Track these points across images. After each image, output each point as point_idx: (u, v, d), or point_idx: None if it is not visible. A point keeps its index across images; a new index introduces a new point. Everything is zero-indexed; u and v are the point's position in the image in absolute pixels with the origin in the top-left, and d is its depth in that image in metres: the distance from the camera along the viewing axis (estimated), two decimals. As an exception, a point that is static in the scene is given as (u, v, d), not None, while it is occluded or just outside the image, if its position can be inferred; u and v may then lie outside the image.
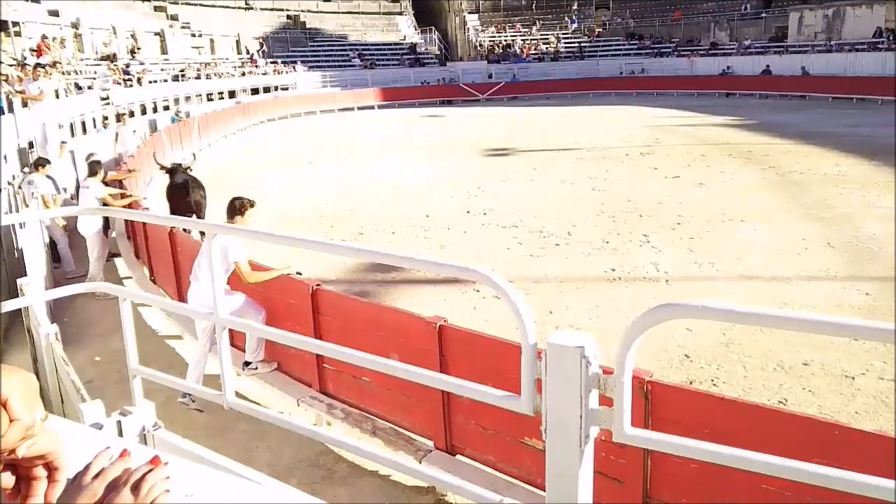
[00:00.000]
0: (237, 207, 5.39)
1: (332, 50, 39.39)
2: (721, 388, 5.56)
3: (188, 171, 9.58)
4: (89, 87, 18.87)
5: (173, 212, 9.46)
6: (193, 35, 33.19)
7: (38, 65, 13.82)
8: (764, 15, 36.20)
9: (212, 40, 34.10)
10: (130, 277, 8.80)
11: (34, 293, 4.31)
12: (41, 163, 9.38)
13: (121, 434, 2.53)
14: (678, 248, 9.39)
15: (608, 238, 10.00)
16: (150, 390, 3.89)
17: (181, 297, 7.04)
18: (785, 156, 16.02)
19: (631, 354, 1.57)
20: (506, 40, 41.78)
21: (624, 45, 40.07)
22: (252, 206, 5.44)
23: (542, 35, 42.08)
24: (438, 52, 42.78)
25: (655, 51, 38.44)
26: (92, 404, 2.57)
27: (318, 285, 5.11)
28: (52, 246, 9.39)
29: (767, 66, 32.31)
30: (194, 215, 9.52)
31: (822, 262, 8.52)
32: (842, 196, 11.83)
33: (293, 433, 3.17)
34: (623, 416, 1.61)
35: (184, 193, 9.39)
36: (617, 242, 9.78)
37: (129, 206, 8.84)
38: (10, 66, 16.28)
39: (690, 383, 5.59)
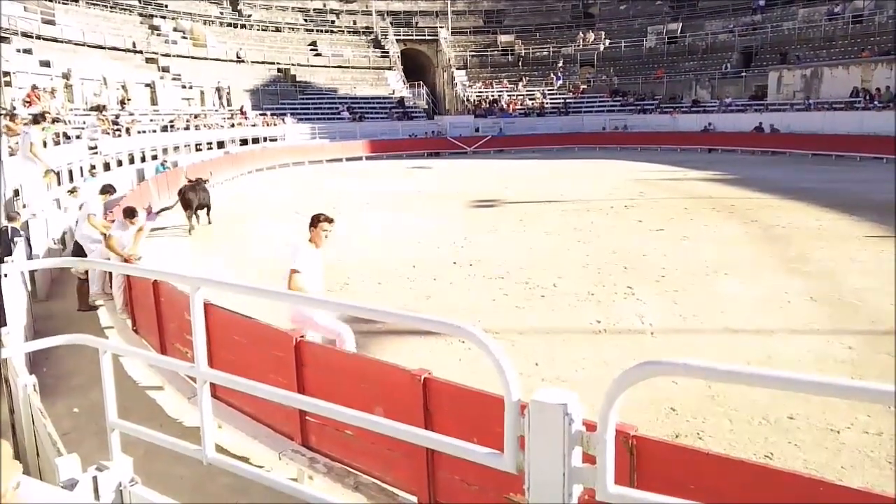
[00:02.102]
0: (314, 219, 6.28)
1: (321, 103, 39.93)
2: (707, 441, 5.53)
3: (206, 182, 16.27)
4: (77, 137, 18.95)
5: (184, 199, 15.43)
6: (184, 87, 33.58)
7: (36, 116, 13.96)
8: (744, 74, 37.17)
9: (202, 92, 34.50)
10: (112, 327, 8.69)
11: (14, 344, 4.25)
12: (108, 189, 10.14)
13: (97, 490, 2.47)
14: (663, 300, 9.43)
15: (593, 290, 10.04)
16: (129, 443, 3.81)
17: (164, 348, 6.96)
18: (767, 210, 16.26)
19: (613, 412, 1.57)
20: (492, 95, 42.57)
21: (608, 101, 40.91)
22: (329, 221, 6.38)
23: (528, 91, 42.95)
24: (426, 106, 43.50)
25: (639, 107, 39.27)
26: (68, 458, 2.53)
27: (301, 337, 5.07)
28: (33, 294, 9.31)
29: (760, 123, 33.01)
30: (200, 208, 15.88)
31: (806, 316, 8.58)
32: (823, 250, 11.99)
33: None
34: (606, 474, 1.60)
35: (197, 191, 15.59)
36: (602, 294, 9.82)
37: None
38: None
39: (676, 437, 5.55)
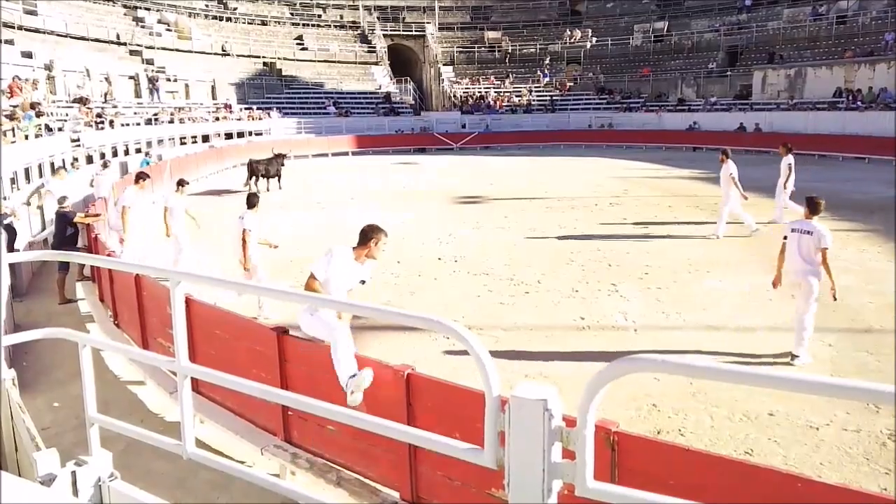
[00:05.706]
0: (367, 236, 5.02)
1: (307, 97, 39.73)
2: (688, 437, 5.57)
3: (284, 157, 22.49)
4: (60, 129, 18.74)
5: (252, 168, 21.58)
6: (168, 80, 33.26)
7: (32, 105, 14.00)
8: (729, 73, 37.39)
9: (187, 85, 34.20)
10: (93, 321, 8.62)
11: (-8, 338, 4.19)
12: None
13: (75, 485, 2.45)
14: (646, 297, 9.48)
15: (577, 287, 10.08)
16: (109, 438, 3.78)
17: (145, 343, 6.92)
18: (749, 208, 16.33)
19: (592, 408, 1.58)
20: (479, 92, 42.56)
21: (594, 99, 41.04)
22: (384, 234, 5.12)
23: (514, 88, 42.97)
24: (413, 102, 43.39)
25: (625, 105, 39.41)
26: (46, 453, 2.50)
27: (284, 332, 5.05)
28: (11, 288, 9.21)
29: (741, 123, 33.18)
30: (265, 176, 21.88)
31: (786, 314, 8.63)
32: (804, 249, 12.07)
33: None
34: (585, 469, 1.61)
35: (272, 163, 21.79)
36: (586, 291, 9.86)
37: (94, 249, 8.74)
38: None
39: (658, 433, 5.59)
